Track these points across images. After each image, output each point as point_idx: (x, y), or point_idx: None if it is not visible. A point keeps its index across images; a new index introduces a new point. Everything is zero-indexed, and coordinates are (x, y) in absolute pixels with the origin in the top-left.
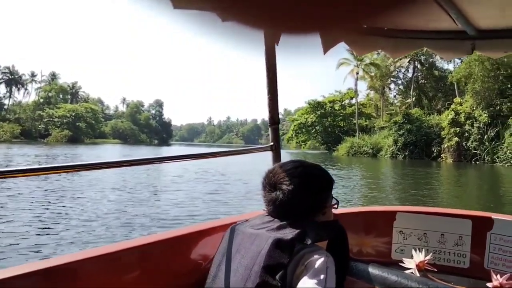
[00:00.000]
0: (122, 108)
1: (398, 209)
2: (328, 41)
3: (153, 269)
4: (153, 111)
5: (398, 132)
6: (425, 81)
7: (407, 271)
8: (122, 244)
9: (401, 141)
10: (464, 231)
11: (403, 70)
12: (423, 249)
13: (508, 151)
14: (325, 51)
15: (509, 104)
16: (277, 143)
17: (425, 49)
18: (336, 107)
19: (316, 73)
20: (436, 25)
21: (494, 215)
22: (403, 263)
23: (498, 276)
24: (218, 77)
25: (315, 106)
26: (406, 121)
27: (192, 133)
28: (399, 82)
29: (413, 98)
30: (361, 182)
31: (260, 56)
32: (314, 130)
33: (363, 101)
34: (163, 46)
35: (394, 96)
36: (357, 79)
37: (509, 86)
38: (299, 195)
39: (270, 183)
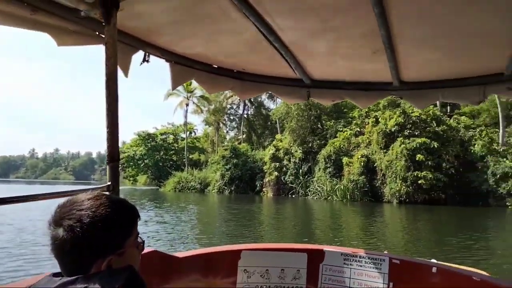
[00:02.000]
0: None
1: (242, 248)
2: (178, 77)
3: None
4: None
5: (225, 166)
6: (255, 119)
7: None
8: None
9: (228, 175)
10: (300, 265)
11: (235, 106)
12: (265, 287)
13: (317, 185)
14: (174, 87)
15: (318, 141)
16: (116, 183)
17: None
18: (169, 140)
19: (150, 102)
20: (279, 72)
21: (325, 247)
22: None
23: None
24: (45, 104)
25: (145, 138)
26: (233, 156)
27: (8, 167)
28: (232, 118)
29: (244, 135)
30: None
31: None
32: (143, 164)
33: (200, 136)
34: None
35: (227, 132)
36: (187, 111)
37: (319, 125)
38: (85, 231)
39: (55, 218)
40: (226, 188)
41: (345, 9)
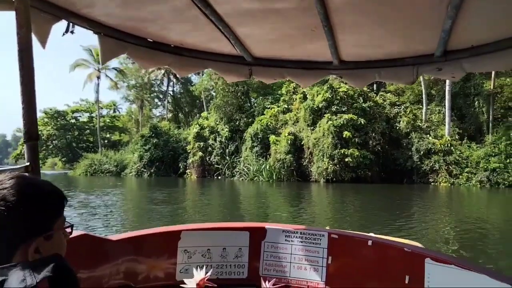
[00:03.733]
0: None
1: (183, 228)
2: (108, 51)
3: None
4: None
5: (144, 147)
6: (181, 96)
7: None
8: None
9: (147, 156)
10: (242, 243)
11: (158, 82)
12: (206, 266)
13: (244, 165)
14: (103, 62)
15: (245, 119)
16: (35, 163)
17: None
18: (84, 119)
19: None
20: (219, 49)
21: (267, 225)
22: (185, 283)
23: (267, 282)
24: None
25: (54, 116)
26: (153, 135)
27: None
28: (156, 95)
29: (170, 114)
30: None
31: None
32: (52, 145)
33: (123, 114)
34: None
35: (150, 110)
36: (98, 86)
37: (246, 102)
38: (10, 211)
39: None
40: (145, 170)
41: None
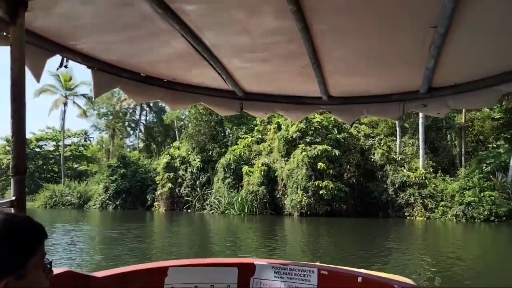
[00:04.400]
0: None
1: (170, 264)
2: (101, 85)
3: None
4: None
5: (111, 177)
6: (154, 125)
7: None
8: None
9: (113, 188)
10: (231, 280)
11: (130, 111)
12: None
13: (215, 198)
14: (96, 95)
15: (218, 149)
16: (21, 198)
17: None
18: (50, 147)
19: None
20: (211, 84)
21: (256, 261)
22: None
23: None
24: None
25: None
26: (121, 165)
27: None
28: (128, 123)
29: (142, 144)
30: None
31: None
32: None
33: (93, 143)
34: None
35: (121, 139)
36: (65, 113)
37: (220, 131)
38: None
39: None
40: (110, 202)
41: (273, 28)
